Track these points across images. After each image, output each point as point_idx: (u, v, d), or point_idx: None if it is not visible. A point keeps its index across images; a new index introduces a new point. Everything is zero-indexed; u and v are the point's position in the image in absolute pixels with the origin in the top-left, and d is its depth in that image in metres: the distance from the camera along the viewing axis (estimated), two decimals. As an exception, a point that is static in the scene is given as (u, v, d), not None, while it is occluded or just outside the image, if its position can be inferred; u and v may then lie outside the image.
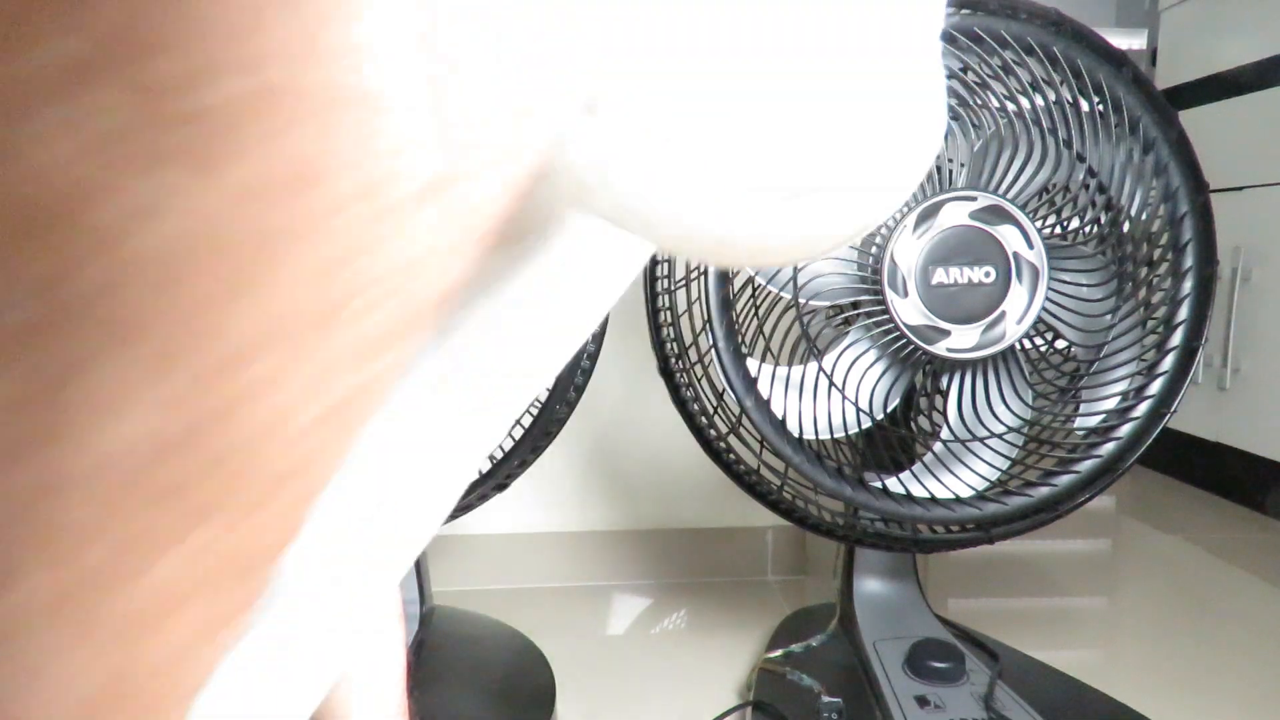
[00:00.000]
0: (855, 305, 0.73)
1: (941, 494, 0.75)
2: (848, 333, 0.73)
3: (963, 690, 0.76)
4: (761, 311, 0.78)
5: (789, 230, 0.22)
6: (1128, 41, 2.01)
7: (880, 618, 0.87)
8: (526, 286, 0.24)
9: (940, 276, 0.69)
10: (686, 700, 0.89)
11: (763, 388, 0.72)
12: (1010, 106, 0.70)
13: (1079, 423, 0.75)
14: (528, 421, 0.74)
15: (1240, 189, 1.55)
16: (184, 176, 0.12)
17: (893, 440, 0.76)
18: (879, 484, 0.75)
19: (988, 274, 0.70)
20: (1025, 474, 0.76)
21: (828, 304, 0.73)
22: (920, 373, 0.76)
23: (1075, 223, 0.74)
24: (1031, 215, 0.70)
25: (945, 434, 0.74)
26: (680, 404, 0.83)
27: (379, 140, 0.14)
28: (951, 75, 0.70)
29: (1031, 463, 0.76)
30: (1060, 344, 0.75)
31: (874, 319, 0.70)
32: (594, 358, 0.77)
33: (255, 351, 0.13)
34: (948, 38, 0.69)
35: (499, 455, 0.74)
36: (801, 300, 0.71)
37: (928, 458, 0.76)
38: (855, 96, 0.21)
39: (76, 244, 0.12)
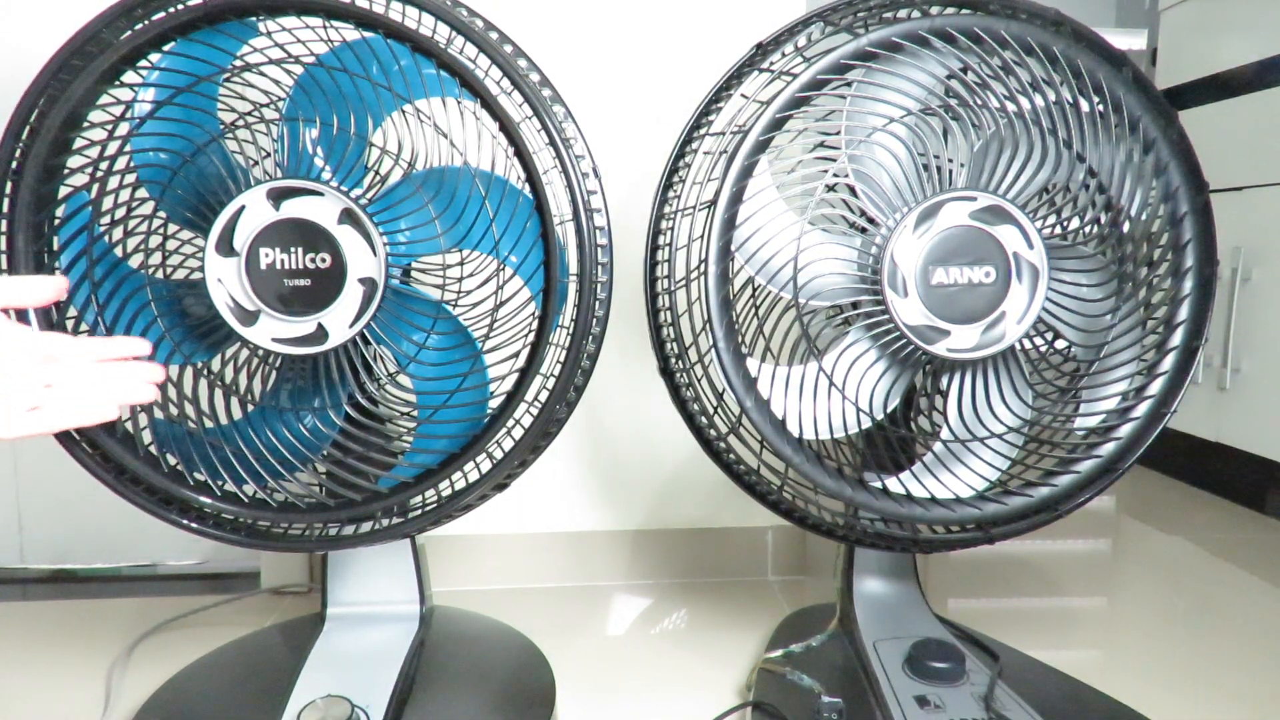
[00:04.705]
0: (855, 305, 0.73)
1: (941, 494, 0.75)
2: (848, 333, 0.73)
3: (963, 690, 0.76)
4: (761, 311, 0.78)
5: None
6: (1128, 41, 2.02)
7: (880, 618, 0.87)
8: None
9: (940, 276, 0.69)
10: (686, 700, 0.89)
11: (763, 388, 0.72)
12: (1010, 106, 0.70)
13: (1079, 423, 0.75)
14: (528, 421, 0.74)
15: (1240, 189, 1.54)
16: None
17: (893, 440, 0.76)
18: (879, 484, 0.75)
19: (988, 274, 0.70)
20: (1025, 474, 0.76)
21: (828, 304, 0.73)
22: (920, 373, 0.76)
23: (1075, 223, 0.74)
24: (1031, 215, 0.70)
25: (945, 434, 0.74)
26: (680, 404, 0.83)
27: None
28: (951, 75, 0.70)
29: (1031, 463, 0.76)
30: (1060, 344, 0.75)
31: (874, 319, 0.70)
32: (594, 357, 0.77)
33: None
34: (947, 38, 0.69)
35: (499, 455, 0.74)
36: (801, 300, 0.71)
37: (928, 458, 0.76)
38: None
39: None
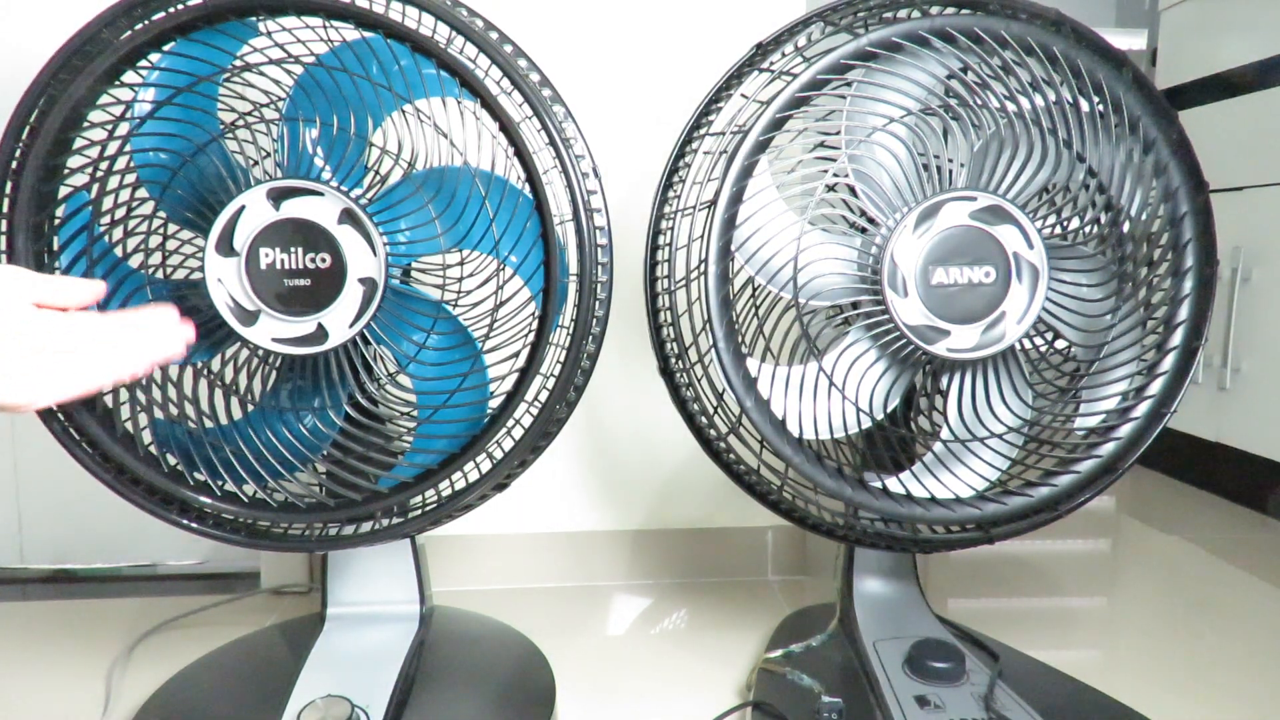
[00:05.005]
0: (855, 305, 0.73)
1: (941, 494, 0.75)
2: (848, 333, 0.73)
3: (963, 690, 0.76)
4: (761, 311, 0.78)
5: None
6: (1128, 41, 2.02)
7: (880, 618, 0.87)
8: None
9: (940, 276, 0.69)
10: (686, 700, 0.89)
11: (763, 388, 0.72)
12: (1010, 106, 0.70)
13: (1079, 423, 0.75)
14: (528, 421, 0.74)
15: (1240, 189, 1.55)
16: None
17: (893, 440, 0.76)
18: (879, 484, 0.75)
19: (988, 274, 0.70)
20: (1025, 474, 0.76)
21: (828, 304, 0.73)
22: (920, 373, 0.76)
23: (1075, 223, 0.74)
24: (1031, 215, 0.70)
25: (945, 434, 0.74)
26: (680, 404, 0.83)
27: None
28: (951, 75, 0.70)
29: (1031, 463, 0.76)
30: (1060, 344, 0.75)
31: (874, 319, 0.70)
32: (594, 357, 0.77)
33: None
34: (947, 38, 0.69)
35: (499, 455, 0.74)
36: (801, 300, 0.71)
37: (928, 458, 0.76)
38: None
39: None
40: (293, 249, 0.68)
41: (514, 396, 0.72)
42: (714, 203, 0.70)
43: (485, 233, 0.70)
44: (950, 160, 0.71)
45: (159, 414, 0.71)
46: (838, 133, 0.71)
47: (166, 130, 0.68)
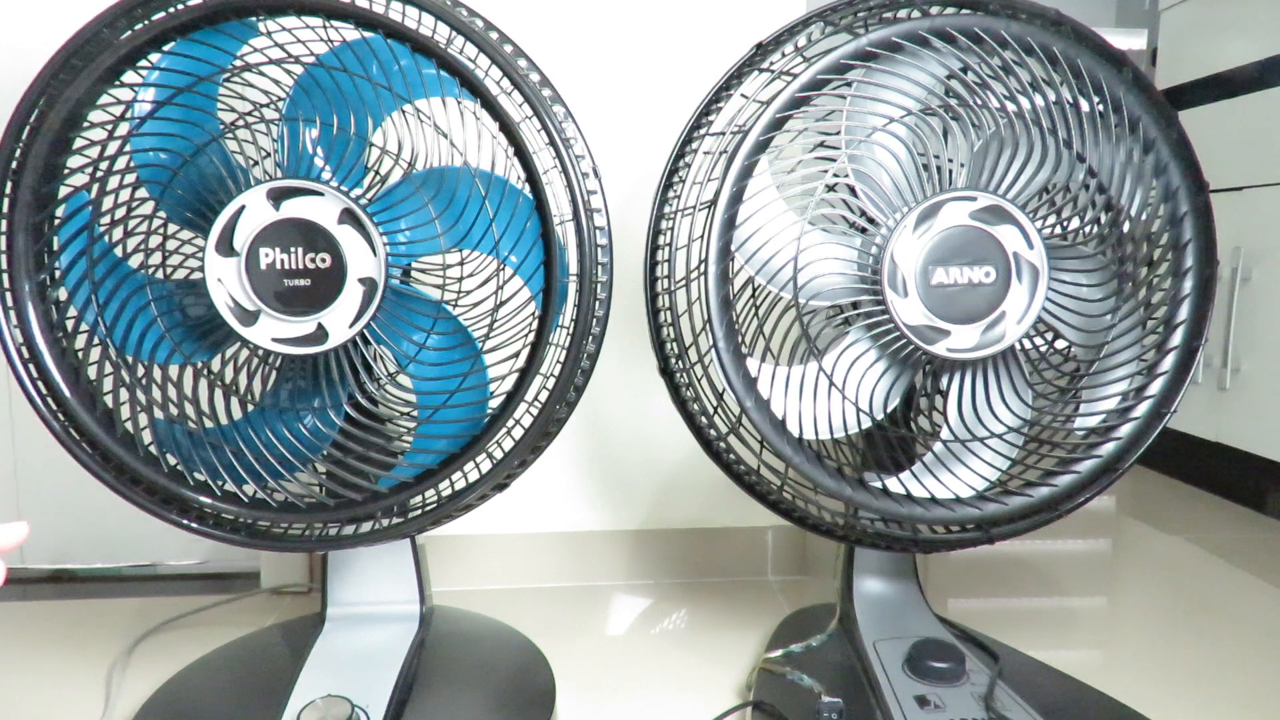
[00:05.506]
0: (855, 305, 0.73)
1: (941, 494, 0.75)
2: (848, 333, 0.73)
3: (963, 690, 0.76)
4: (761, 311, 0.78)
5: None
6: (1128, 41, 2.02)
7: (880, 618, 0.87)
8: None
9: (940, 276, 0.69)
10: (686, 700, 0.89)
11: (763, 388, 0.72)
12: (1010, 106, 0.70)
13: (1079, 423, 0.75)
14: (528, 421, 0.74)
15: (1240, 189, 1.55)
16: None
17: (893, 440, 0.76)
18: (879, 484, 0.75)
19: (988, 274, 0.70)
20: (1025, 474, 0.76)
21: (828, 304, 0.73)
22: (920, 373, 0.76)
23: (1075, 223, 0.74)
24: (1031, 215, 0.70)
25: (945, 434, 0.74)
26: (680, 404, 0.83)
27: None
28: (951, 75, 0.70)
29: (1031, 463, 0.76)
30: (1060, 344, 0.75)
31: (874, 319, 0.70)
32: (594, 357, 0.77)
33: None
34: (947, 38, 0.69)
35: (499, 455, 0.74)
36: (801, 300, 0.71)
37: (928, 458, 0.76)
38: None
39: None
40: (293, 249, 0.68)
41: (514, 396, 0.72)
42: (714, 203, 0.70)
43: (485, 233, 0.70)
44: (950, 160, 0.71)
45: (159, 414, 0.71)
46: (838, 133, 0.71)
47: (166, 130, 0.68)
